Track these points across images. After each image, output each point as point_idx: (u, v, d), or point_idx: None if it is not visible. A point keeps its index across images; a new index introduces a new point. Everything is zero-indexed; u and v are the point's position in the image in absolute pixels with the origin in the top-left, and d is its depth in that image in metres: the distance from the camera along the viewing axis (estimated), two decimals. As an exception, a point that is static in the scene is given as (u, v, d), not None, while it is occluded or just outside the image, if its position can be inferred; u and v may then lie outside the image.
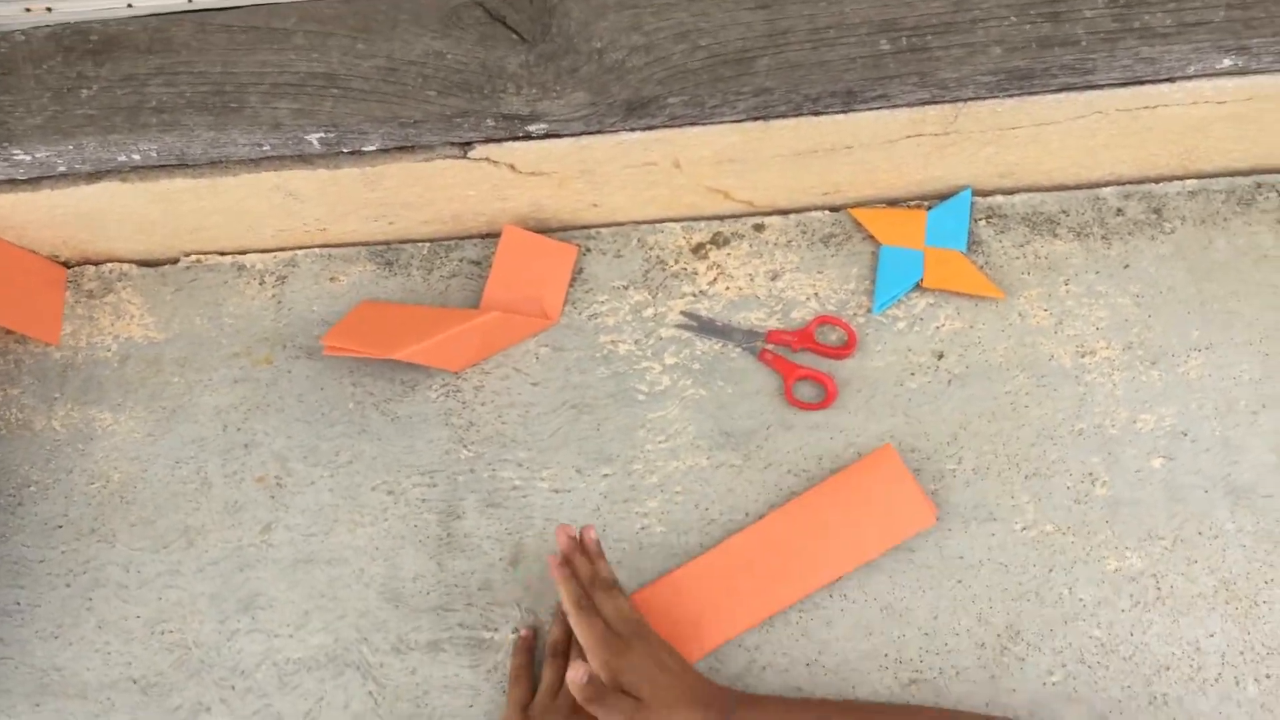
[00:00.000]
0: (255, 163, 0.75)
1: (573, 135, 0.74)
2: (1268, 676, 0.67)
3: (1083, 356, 0.77)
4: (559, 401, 0.80)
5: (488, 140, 0.75)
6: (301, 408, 0.80)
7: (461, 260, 0.85)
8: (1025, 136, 0.75)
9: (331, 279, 0.84)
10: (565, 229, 0.85)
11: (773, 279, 0.82)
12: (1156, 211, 0.80)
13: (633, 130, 0.74)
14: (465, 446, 0.79)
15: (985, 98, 0.70)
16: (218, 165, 0.75)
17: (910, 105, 0.71)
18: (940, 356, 0.78)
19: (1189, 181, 0.81)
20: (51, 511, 0.78)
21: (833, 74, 0.69)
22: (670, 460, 0.77)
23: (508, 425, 0.79)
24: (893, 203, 0.83)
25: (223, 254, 0.85)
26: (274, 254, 0.85)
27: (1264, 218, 0.79)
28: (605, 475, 0.77)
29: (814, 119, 0.72)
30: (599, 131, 0.74)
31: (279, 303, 0.83)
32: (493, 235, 0.85)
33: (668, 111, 0.72)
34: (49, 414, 0.80)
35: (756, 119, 0.72)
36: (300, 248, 0.84)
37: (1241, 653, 0.68)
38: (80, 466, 0.79)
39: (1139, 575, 0.70)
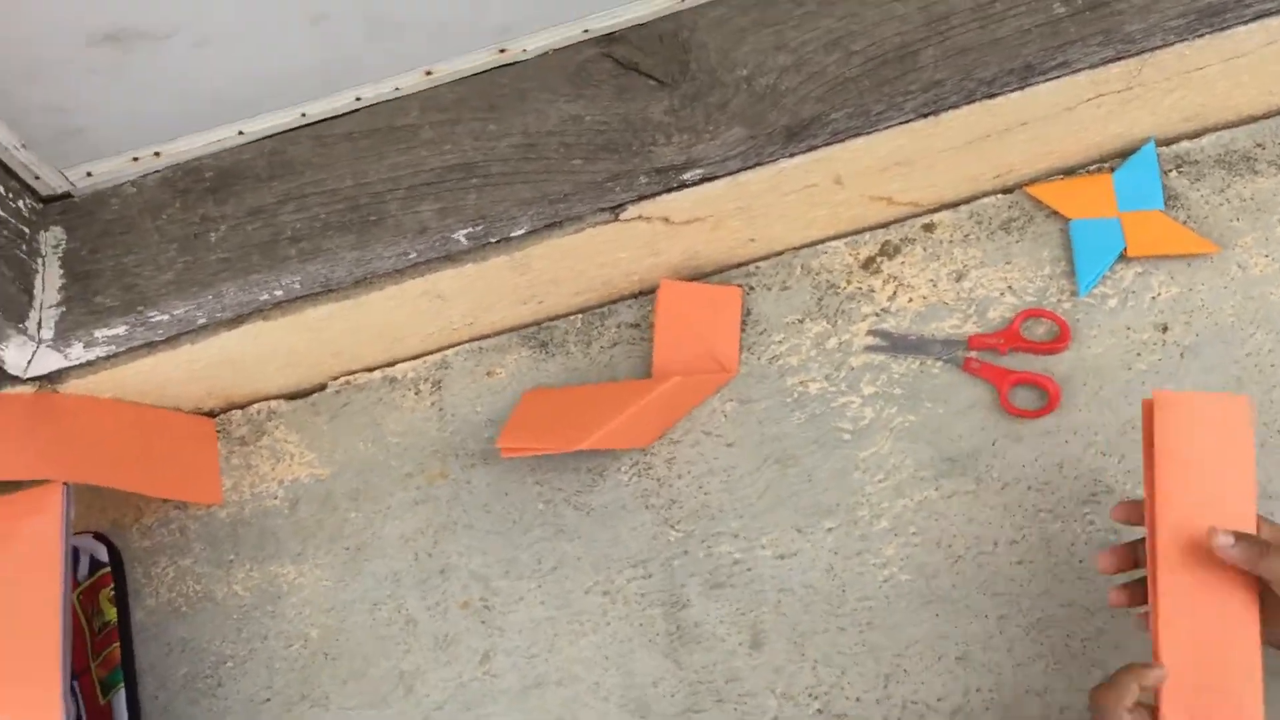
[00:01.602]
0: (400, 272, 0.80)
1: (729, 175, 0.78)
2: None
3: (1322, 297, 0.78)
4: (760, 458, 0.83)
5: (640, 199, 0.79)
6: (490, 519, 0.83)
7: (620, 326, 0.88)
8: (1214, 74, 0.77)
9: (489, 373, 0.88)
10: (721, 270, 0.88)
11: (958, 280, 0.84)
12: (1363, 125, 0.82)
13: (793, 156, 0.77)
14: (672, 527, 0.82)
15: (1174, 43, 0.73)
16: (363, 283, 0.80)
17: (1092, 67, 0.74)
18: (1165, 329, 0.80)
19: (1391, 86, 0.83)
20: (255, 686, 0.82)
21: (1007, 51, 0.73)
22: (896, 499, 0.80)
23: (711, 495, 0.82)
24: (1069, 172, 0.86)
25: (370, 370, 0.89)
26: (423, 359, 0.89)
27: None
28: (830, 530, 0.80)
29: (988, 102, 0.76)
30: (757, 165, 0.78)
31: (440, 410, 0.87)
32: (647, 293, 0.89)
33: (830, 128, 0.76)
34: (228, 580, 0.84)
35: (926, 115, 0.76)
36: (449, 347, 0.89)
37: None
38: (274, 630, 0.83)
39: None
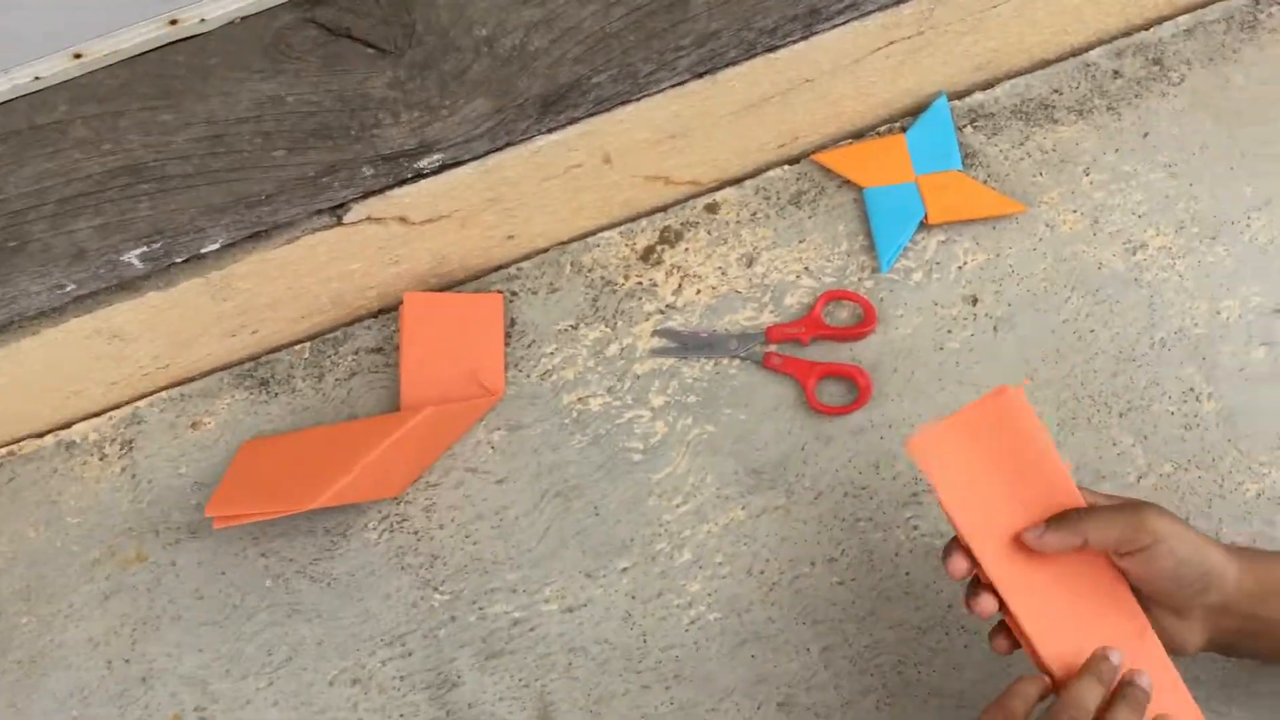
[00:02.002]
0: (59, 310, 0.65)
1: (476, 158, 0.67)
2: None
3: (1134, 254, 0.74)
4: (537, 494, 0.72)
5: (366, 195, 0.66)
6: (204, 607, 0.69)
7: (358, 353, 0.76)
8: (1008, 13, 0.72)
9: (193, 425, 0.73)
10: (478, 276, 0.77)
11: (749, 265, 0.76)
12: (1157, 63, 0.78)
13: (551, 131, 0.67)
14: (435, 589, 0.70)
15: None
16: (9, 327, 0.64)
17: (883, 8, 0.67)
18: (975, 301, 0.74)
19: (1180, 19, 0.79)
20: None
21: None
22: (698, 525, 0.70)
23: (481, 544, 0.71)
24: (860, 135, 0.79)
25: (39, 435, 0.73)
26: (107, 415, 0.74)
27: (1274, 37, 0.78)
28: (624, 570, 0.70)
29: (770, 56, 0.68)
30: (508, 144, 0.67)
31: (133, 477, 0.72)
32: (389, 310, 0.76)
33: (593, 95, 0.66)
34: None
35: (702, 74, 0.67)
36: (140, 397, 0.74)
37: None
38: (-75, 780, 0.66)
39: (1288, 488, 0.67)
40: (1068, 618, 0.54)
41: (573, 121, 0.66)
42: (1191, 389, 0.70)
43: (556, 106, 0.65)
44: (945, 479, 0.55)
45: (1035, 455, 0.55)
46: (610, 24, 0.64)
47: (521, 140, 0.66)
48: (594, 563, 0.70)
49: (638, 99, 0.66)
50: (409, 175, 0.66)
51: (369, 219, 0.67)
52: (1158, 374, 0.71)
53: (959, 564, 0.55)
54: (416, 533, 0.71)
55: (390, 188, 0.66)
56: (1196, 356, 0.71)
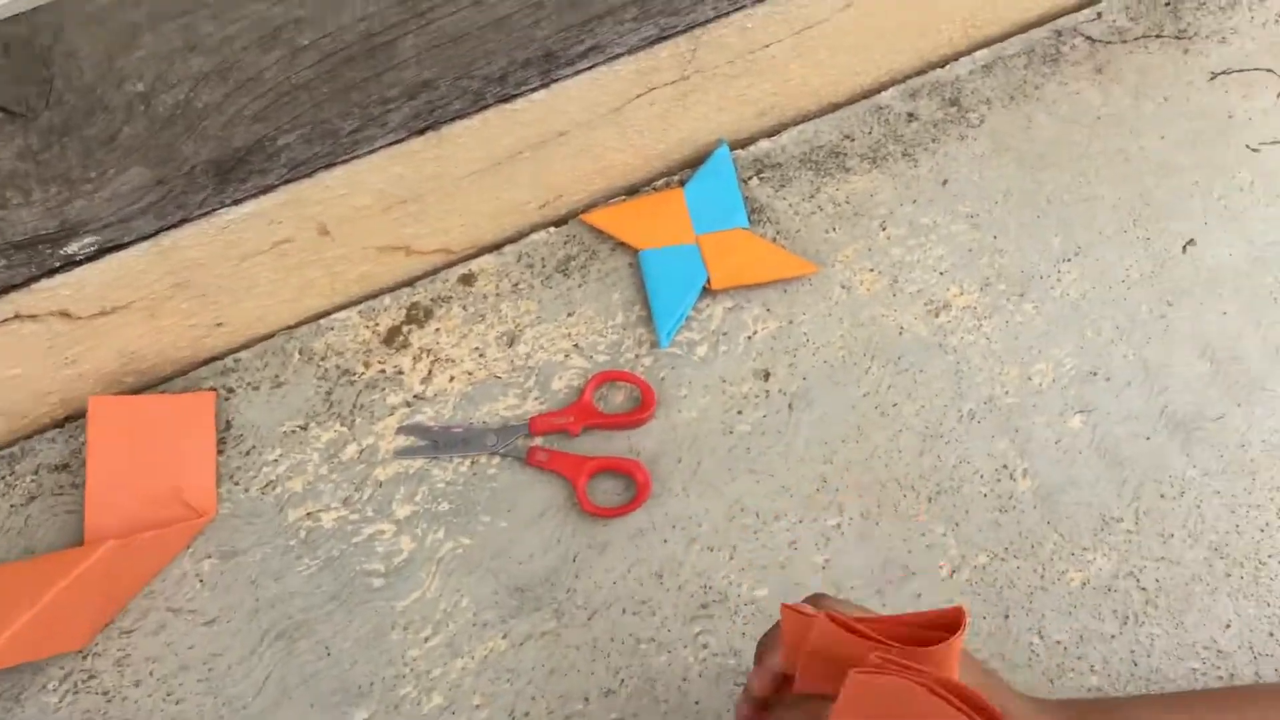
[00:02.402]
0: None
1: (145, 237, 0.55)
2: (1300, 644, 0.59)
3: (937, 315, 0.67)
4: (256, 635, 0.60)
5: (5, 290, 0.54)
6: None
7: (38, 471, 0.63)
8: (783, 52, 0.64)
9: None
10: (186, 371, 0.65)
11: (510, 344, 0.66)
12: (954, 103, 0.72)
13: (238, 203, 0.56)
14: (125, 763, 0.57)
15: (729, 12, 0.58)
16: None
17: (633, 51, 0.58)
18: (767, 376, 0.65)
19: (978, 54, 0.73)
20: None
21: (517, 35, 0.55)
22: (452, 660, 0.59)
23: (187, 703, 0.58)
24: (633, 191, 0.70)
25: None
26: None
27: (1078, 71, 0.73)
28: None
29: (506, 106, 0.58)
30: (184, 220, 0.55)
31: None
32: (78, 417, 0.64)
33: (283, 158, 0.55)
34: None
35: (424, 130, 0.57)
36: None
37: (1271, 633, 0.59)
38: None
39: (1113, 581, 0.60)
40: None
41: (265, 190, 0.55)
42: (1005, 465, 0.63)
43: (238, 173, 0.54)
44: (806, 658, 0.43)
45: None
46: (297, 74, 0.53)
47: (201, 215, 0.55)
48: (324, 716, 0.58)
49: (345, 161, 0.56)
50: (57, 264, 0.54)
51: (18, 316, 0.55)
52: (968, 450, 0.64)
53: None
54: (106, 693, 0.58)
55: (35, 279, 0.54)
56: (1009, 429, 0.64)
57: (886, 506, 0.63)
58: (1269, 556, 0.61)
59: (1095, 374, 0.65)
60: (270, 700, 0.59)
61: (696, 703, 0.59)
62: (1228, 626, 0.60)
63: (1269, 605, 0.60)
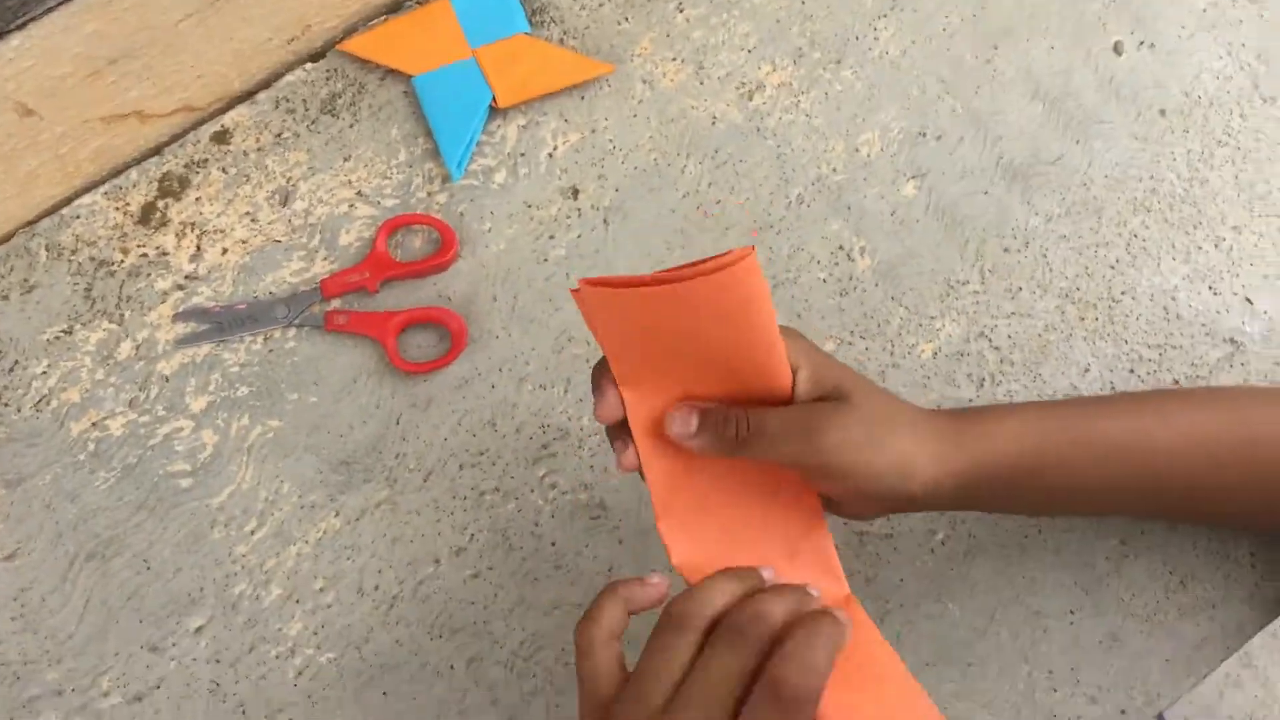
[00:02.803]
0: None
1: None
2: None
3: (750, 99, 0.77)
4: (64, 561, 0.69)
5: None
6: None
7: None
8: None
9: None
10: (-80, 294, 0.72)
11: (284, 202, 0.74)
12: None
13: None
14: (-56, 716, 0.66)
15: None
16: None
17: None
18: (575, 193, 0.75)
19: None
20: None
21: None
22: (284, 550, 0.70)
23: (5, 643, 0.67)
24: (395, 8, 0.78)
25: None
26: None
27: None
28: (199, 630, 0.68)
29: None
30: None
31: None
32: None
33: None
34: None
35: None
36: None
37: (1131, 369, 0.72)
38: None
39: (965, 345, 0.73)
40: (715, 521, 0.56)
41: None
42: (841, 247, 0.75)
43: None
44: (610, 333, 0.53)
45: (748, 335, 0.52)
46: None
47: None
48: (157, 630, 0.68)
49: (19, 27, 0.62)
50: None
51: None
52: (801, 237, 0.75)
53: (629, 456, 0.55)
54: (-94, 651, 0.67)
55: None
56: (841, 207, 0.75)
57: (724, 310, 0.74)
58: (1122, 293, 0.74)
59: (924, 134, 0.77)
60: (95, 626, 0.69)
61: (553, 544, 0.71)
62: (1086, 371, 0.73)
63: (1126, 342, 0.74)
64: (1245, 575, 0.70)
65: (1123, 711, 0.68)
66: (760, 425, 0.53)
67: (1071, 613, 0.70)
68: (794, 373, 0.53)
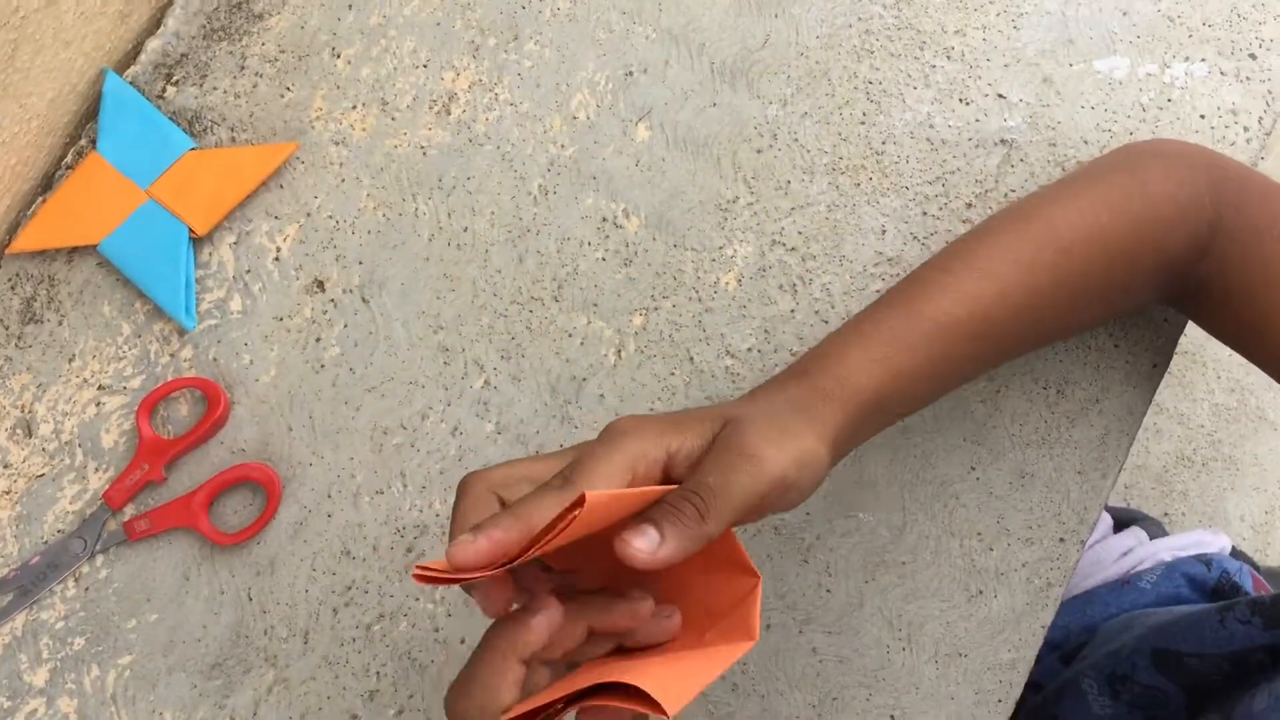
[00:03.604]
0: None
1: None
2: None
3: (449, 112, 0.70)
4: None
5: None
6: None
7: None
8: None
9: None
10: None
11: (28, 433, 0.66)
12: None
13: None
14: None
15: None
16: None
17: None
18: (321, 286, 0.68)
19: None
20: None
21: None
22: (192, 778, 0.62)
23: None
24: (48, 184, 0.68)
25: None
26: None
27: None
28: None
29: None
30: None
31: None
32: None
33: None
34: None
35: None
36: None
37: (924, 211, 0.68)
38: None
39: (762, 260, 0.68)
40: None
41: None
42: (604, 219, 0.69)
43: None
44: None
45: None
46: None
47: None
48: None
49: None
50: None
51: None
52: (561, 227, 0.69)
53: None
54: None
55: None
56: (586, 179, 0.70)
57: (520, 333, 0.68)
58: (883, 144, 0.70)
59: (631, 73, 0.71)
60: None
61: (462, 640, 0.65)
62: (883, 233, 0.69)
63: (907, 189, 0.69)
64: (1114, 358, 0.67)
65: (1061, 539, 0.66)
66: (707, 487, 0.46)
67: (973, 469, 0.67)
68: (675, 454, 0.47)
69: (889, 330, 0.55)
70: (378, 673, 0.64)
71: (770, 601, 0.66)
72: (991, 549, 0.66)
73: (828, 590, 0.66)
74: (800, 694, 0.65)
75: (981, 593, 0.66)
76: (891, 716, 0.65)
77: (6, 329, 0.67)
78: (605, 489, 0.45)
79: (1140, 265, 0.60)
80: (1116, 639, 0.74)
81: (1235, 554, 0.91)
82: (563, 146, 0.70)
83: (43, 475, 0.66)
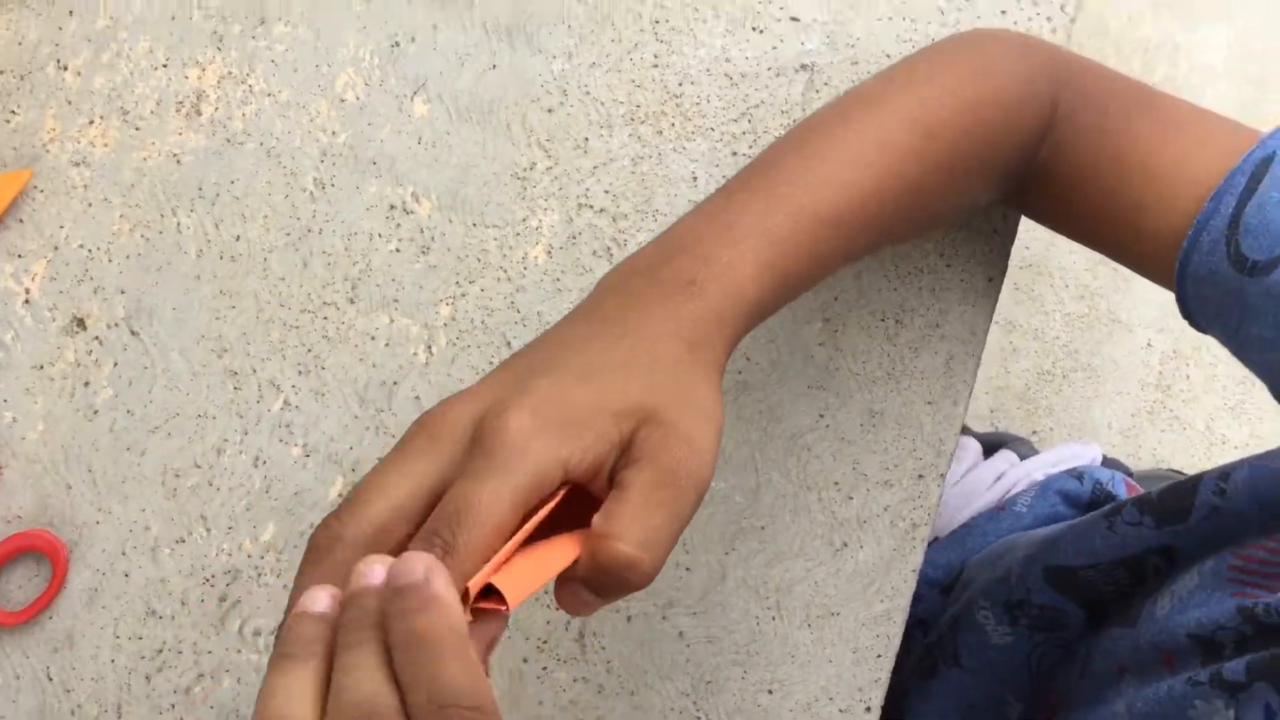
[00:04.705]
0: None
1: None
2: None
3: (199, 111, 0.61)
4: None
5: None
6: None
7: None
8: None
9: None
10: None
11: None
12: None
13: None
14: None
15: None
16: None
17: None
18: (82, 324, 0.59)
19: None
20: None
21: None
22: None
23: None
24: None
25: None
26: None
27: None
28: None
29: None
30: None
31: None
32: None
33: None
34: None
35: None
36: None
37: (733, 153, 0.61)
38: None
39: (572, 226, 0.61)
40: None
41: None
42: (392, 205, 0.61)
43: None
44: None
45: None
46: None
47: None
48: None
49: None
50: None
51: None
52: (346, 221, 0.61)
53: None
54: None
55: None
56: (364, 166, 0.61)
57: (316, 344, 0.60)
58: (680, 85, 0.63)
59: (398, 43, 0.62)
60: None
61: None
62: (695, 180, 0.62)
63: (713, 130, 0.62)
64: (947, 278, 0.61)
65: (920, 476, 0.60)
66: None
67: (821, 416, 0.60)
68: (572, 470, 0.38)
69: (775, 228, 0.46)
70: (207, 740, 0.56)
71: (628, 591, 0.59)
72: (851, 497, 0.60)
73: (687, 569, 0.60)
74: (672, 683, 0.58)
75: (846, 545, 0.60)
76: (770, 690, 0.58)
77: None
78: (500, 550, 0.37)
79: (998, 146, 0.54)
80: (1001, 564, 0.69)
81: (1108, 463, 0.87)
82: (334, 133, 0.61)
83: None
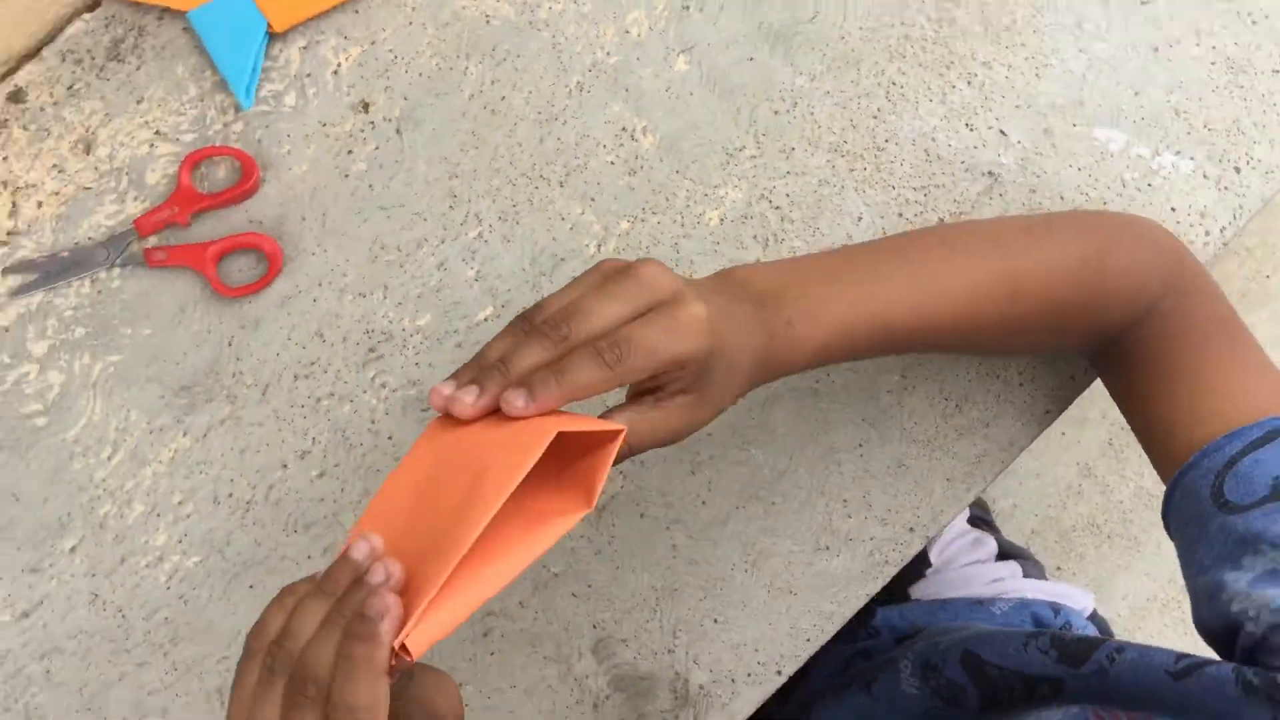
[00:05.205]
0: None
1: None
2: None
3: (529, -12, 0.73)
4: (-64, 509, 0.70)
5: None
6: None
7: None
8: None
9: None
10: None
11: (87, 150, 0.72)
12: None
13: None
14: None
15: None
16: None
17: None
18: (366, 107, 0.73)
19: None
20: None
21: None
22: (141, 470, 0.70)
23: (-110, 590, 0.69)
24: (170, -56, 0.74)
25: None
26: None
27: None
28: (72, 549, 0.70)
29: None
30: None
31: None
32: None
33: None
34: None
35: None
36: None
37: (900, 213, 0.71)
38: None
39: (748, 209, 0.72)
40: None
41: None
42: (624, 128, 0.73)
43: None
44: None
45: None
46: None
47: None
48: (34, 554, 0.70)
49: None
50: None
51: None
52: (585, 124, 0.73)
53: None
54: None
55: None
56: (619, 90, 0.73)
57: (521, 203, 0.73)
58: (885, 141, 0.73)
59: (689, 8, 0.73)
60: (-26, 561, 0.70)
61: (389, 438, 0.71)
62: (859, 219, 0.72)
63: (893, 188, 0.72)
64: (1015, 394, 0.70)
65: (911, 529, 0.70)
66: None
67: (860, 445, 0.71)
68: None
69: (851, 322, 0.56)
70: (314, 438, 0.71)
71: (652, 495, 0.71)
72: (850, 516, 0.70)
73: (703, 502, 0.72)
74: (648, 576, 0.71)
75: (828, 549, 0.71)
76: (715, 620, 0.71)
77: (93, 59, 0.73)
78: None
79: (1078, 327, 0.64)
80: (941, 637, 0.78)
81: (1094, 618, 0.94)
82: (608, 54, 0.73)
83: (89, 188, 0.72)
